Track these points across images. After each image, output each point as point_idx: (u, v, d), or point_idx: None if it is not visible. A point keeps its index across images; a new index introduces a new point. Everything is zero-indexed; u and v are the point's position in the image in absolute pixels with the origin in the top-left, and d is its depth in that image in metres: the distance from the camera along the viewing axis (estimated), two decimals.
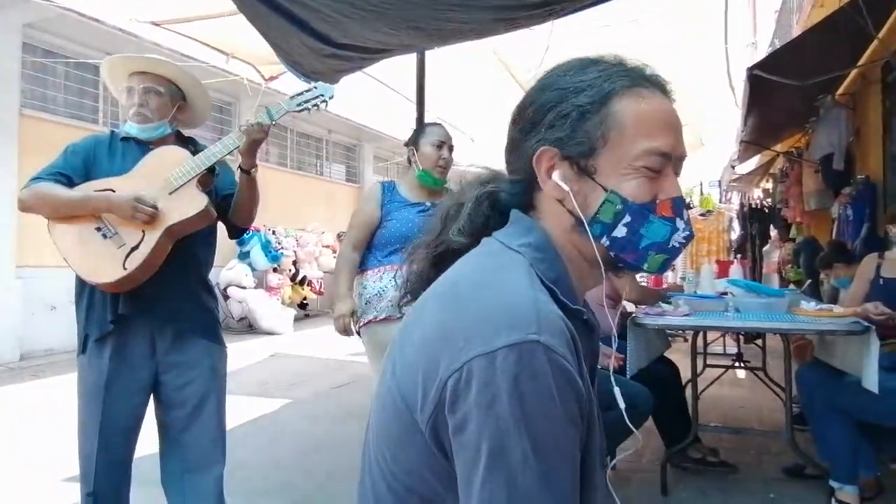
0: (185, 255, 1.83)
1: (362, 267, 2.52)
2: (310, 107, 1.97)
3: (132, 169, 1.82)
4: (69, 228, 1.77)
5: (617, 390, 0.79)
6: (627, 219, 0.72)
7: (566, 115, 0.73)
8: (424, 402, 0.64)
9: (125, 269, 1.71)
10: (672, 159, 0.73)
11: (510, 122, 0.80)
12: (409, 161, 2.60)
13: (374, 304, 2.41)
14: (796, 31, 7.00)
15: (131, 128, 1.89)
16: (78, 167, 1.82)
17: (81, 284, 1.82)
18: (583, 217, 0.72)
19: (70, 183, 1.79)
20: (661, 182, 0.73)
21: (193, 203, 1.78)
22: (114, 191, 1.76)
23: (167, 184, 1.78)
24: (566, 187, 0.73)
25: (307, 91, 1.97)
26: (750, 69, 4.16)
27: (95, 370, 1.78)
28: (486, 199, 0.81)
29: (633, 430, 0.87)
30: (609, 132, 0.72)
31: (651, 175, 0.72)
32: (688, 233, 0.74)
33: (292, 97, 1.96)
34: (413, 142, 2.60)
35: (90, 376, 1.79)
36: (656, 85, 0.75)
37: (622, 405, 0.80)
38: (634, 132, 0.71)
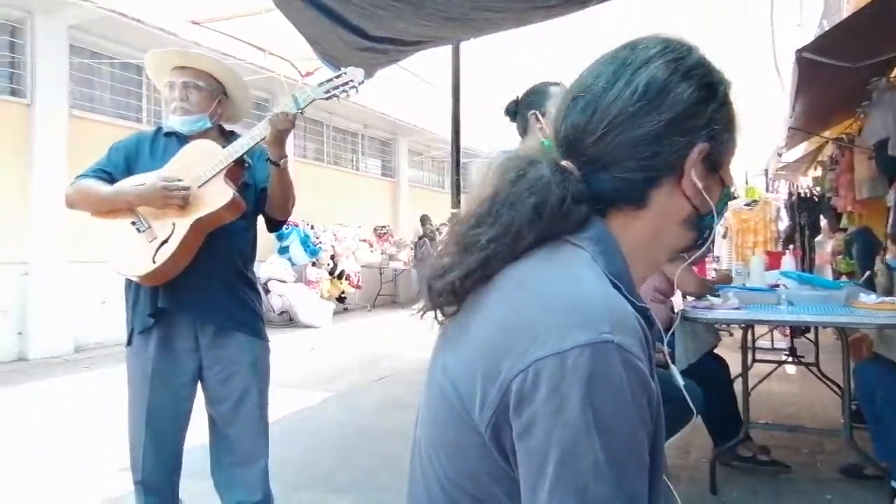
0: (222, 248, 1.84)
1: None
2: (338, 93, 1.86)
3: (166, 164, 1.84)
4: (110, 224, 1.82)
5: (678, 375, 0.77)
6: (725, 208, 0.77)
7: (720, 108, 0.71)
8: (484, 403, 0.61)
9: (154, 262, 1.73)
10: None
11: (619, 111, 0.68)
12: (526, 130, 1.96)
13: None
14: (847, 12, 6.69)
15: (173, 121, 1.92)
16: (119, 164, 1.87)
17: (129, 279, 1.85)
18: (714, 209, 0.73)
19: (112, 180, 1.83)
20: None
21: (220, 196, 1.78)
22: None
23: (197, 177, 1.79)
24: (700, 184, 0.71)
25: (336, 77, 1.87)
26: (799, 51, 3.99)
27: (141, 362, 1.83)
28: (581, 204, 0.68)
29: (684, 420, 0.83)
30: (732, 126, 0.74)
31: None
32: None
33: (320, 84, 1.87)
34: (538, 104, 1.92)
35: (136, 368, 1.84)
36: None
37: (681, 382, 0.77)
38: (735, 140, 0.75)
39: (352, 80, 1.85)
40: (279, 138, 1.83)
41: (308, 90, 1.87)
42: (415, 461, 0.74)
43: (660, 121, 0.68)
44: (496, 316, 0.65)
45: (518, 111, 1.98)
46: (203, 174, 1.79)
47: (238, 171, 1.87)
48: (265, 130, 1.82)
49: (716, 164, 0.72)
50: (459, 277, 0.69)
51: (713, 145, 0.70)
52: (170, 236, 1.75)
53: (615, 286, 0.65)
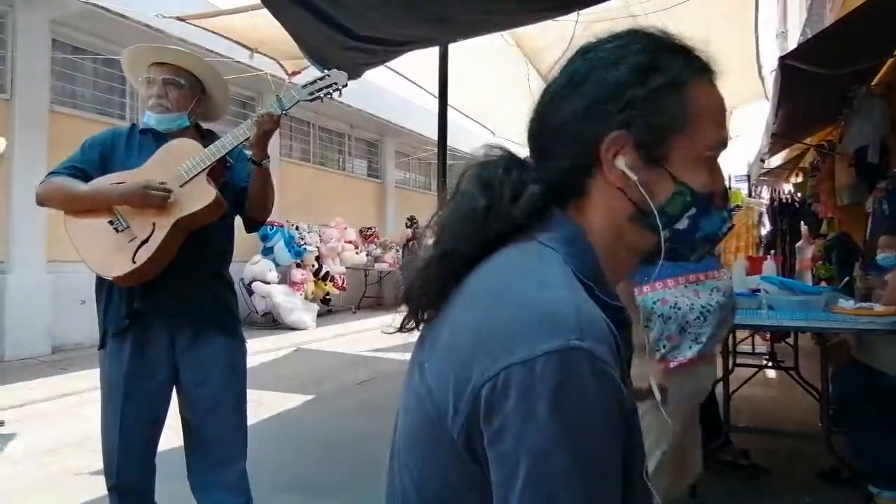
0: (200, 248, 1.81)
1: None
2: (322, 95, 1.89)
3: (145, 162, 1.80)
4: (84, 223, 1.77)
5: (653, 383, 0.76)
6: (693, 211, 0.69)
7: (643, 97, 0.66)
8: (456, 410, 0.60)
9: (134, 262, 1.70)
10: (725, 149, 0.71)
11: (552, 98, 0.71)
12: None
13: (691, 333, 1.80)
14: (829, 20, 6.80)
15: (150, 118, 1.88)
16: (94, 160, 1.82)
17: (101, 279, 1.81)
18: (653, 208, 0.67)
19: (86, 177, 1.78)
20: (716, 174, 0.70)
21: (203, 196, 1.76)
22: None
23: (178, 176, 1.76)
24: (634, 176, 0.67)
25: (320, 79, 1.89)
26: (782, 58, 4.04)
27: (115, 365, 1.78)
28: (537, 197, 0.69)
29: (668, 419, 0.81)
30: (684, 121, 0.67)
31: (712, 165, 0.70)
32: (730, 222, 0.74)
33: (304, 86, 1.89)
34: None
35: (110, 371, 1.80)
36: (713, 73, 0.72)
37: (658, 397, 0.76)
38: (707, 124, 0.68)
39: (335, 83, 1.88)
40: (263, 139, 1.82)
41: (293, 91, 1.88)
42: (392, 468, 0.73)
43: (578, 106, 0.68)
44: (468, 323, 0.64)
45: None
46: (184, 173, 1.76)
47: (219, 170, 1.85)
48: (249, 130, 1.81)
49: (655, 157, 0.67)
50: (425, 286, 0.70)
51: (637, 134, 0.66)
52: (150, 236, 1.72)
53: (589, 287, 0.64)
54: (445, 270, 0.69)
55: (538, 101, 0.72)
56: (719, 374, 2.91)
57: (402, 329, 0.75)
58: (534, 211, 0.69)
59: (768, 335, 4.74)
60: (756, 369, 3.84)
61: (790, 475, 2.96)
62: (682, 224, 0.69)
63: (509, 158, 0.73)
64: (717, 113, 0.70)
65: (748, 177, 10.51)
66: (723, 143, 0.69)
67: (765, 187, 10.46)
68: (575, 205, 0.71)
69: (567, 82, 0.70)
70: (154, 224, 1.73)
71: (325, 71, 1.91)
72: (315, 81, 1.89)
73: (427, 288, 0.71)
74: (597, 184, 0.69)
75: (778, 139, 6.85)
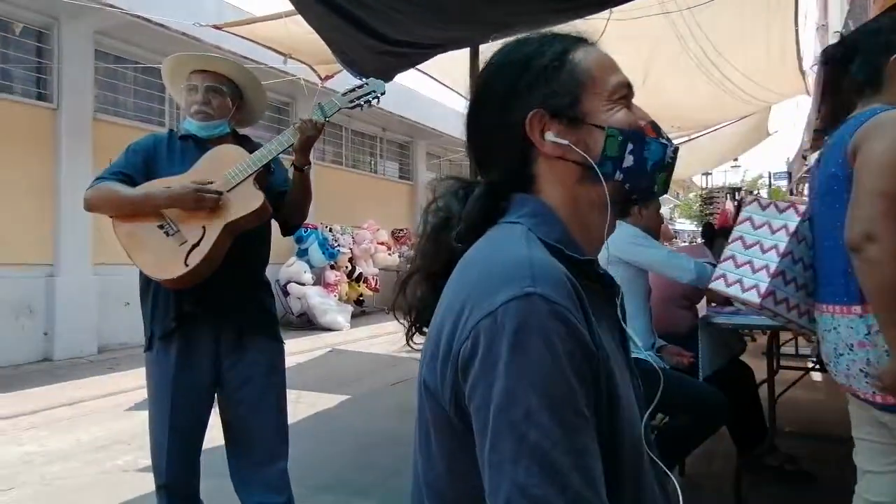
0: (243, 252, 1.84)
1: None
2: (362, 103, 1.96)
3: (190, 168, 1.84)
4: (133, 227, 1.80)
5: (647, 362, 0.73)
6: (630, 146, 0.74)
7: (537, 76, 0.74)
8: (443, 382, 0.64)
9: (187, 265, 1.73)
10: (631, 90, 0.77)
11: (474, 110, 0.80)
12: None
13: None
14: (873, 12, 6.56)
15: (191, 125, 1.91)
16: (139, 166, 1.85)
17: (146, 282, 1.85)
18: (591, 161, 0.73)
19: (132, 182, 1.81)
20: (634, 111, 0.76)
21: (252, 200, 1.80)
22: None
23: (226, 181, 1.80)
24: (564, 141, 0.73)
25: (359, 87, 1.96)
26: (824, 52, 3.91)
27: (163, 367, 1.82)
28: (482, 196, 0.78)
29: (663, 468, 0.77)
30: (582, 78, 0.74)
31: (627, 104, 0.76)
32: (674, 146, 0.77)
33: (344, 94, 1.95)
34: None
35: (158, 373, 1.83)
36: (589, 39, 0.79)
37: (642, 355, 0.74)
38: (601, 73, 0.75)
39: (374, 91, 1.95)
40: (306, 145, 1.88)
41: (334, 99, 1.94)
42: (413, 461, 0.76)
43: (493, 108, 0.77)
44: (444, 304, 0.69)
45: None
46: (231, 178, 1.81)
47: (263, 175, 1.89)
48: (293, 137, 1.86)
49: (574, 117, 0.74)
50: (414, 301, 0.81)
51: (550, 106, 0.74)
52: (201, 239, 1.76)
53: (557, 249, 0.69)
54: (429, 285, 0.78)
55: (465, 117, 0.81)
56: (761, 376, 2.83)
57: (408, 343, 0.82)
58: (485, 208, 0.76)
59: (814, 337, 4.59)
60: (803, 372, 3.72)
61: (840, 483, 2.83)
62: (628, 162, 0.74)
63: (456, 183, 0.81)
64: (606, 63, 0.77)
65: (789, 174, 10.23)
66: (624, 84, 0.76)
67: (807, 185, 10.16)
68: (532, 190, 0.77)
69: (477, 93, 0.79)
70: (204, 227, 1.77)
71: (363, 79, 1.98)
72: (354, 89, 1.95)
73: (417, 303, 0.80)
74: (540, 166, 0.76)
75: (820, 135, 6.64)
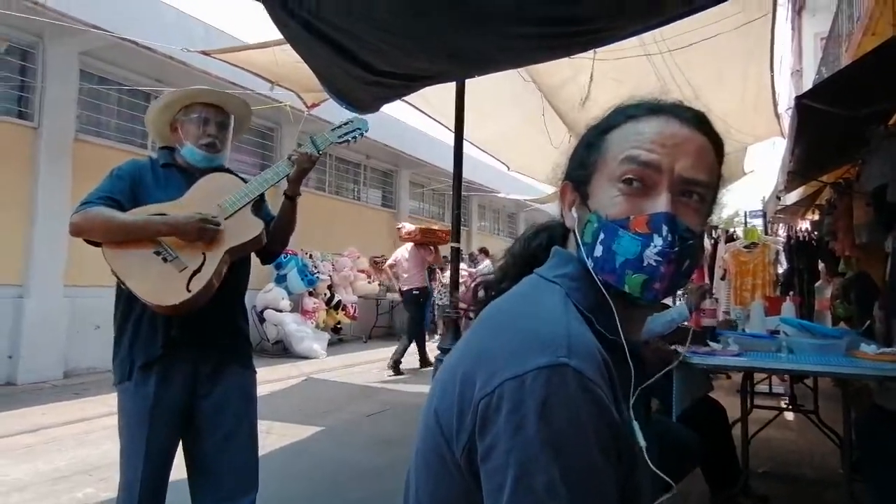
0: (228, 280, 1.84)
1: None
2: (349, 139, 2.06)
3: (182, 195, 1.84)
4: (126, 253, 1.76)
5: (639, 434, 0.74)
6: (602, 236, 0.70)
7: (577, 149, 0.78)
8: (461, 429, 0.63)
9: (189, 291, 1.72)
10: (664, 173, 0.68)
11: None
12: None
13: None
14: (846, 60, 6.83)
15: (194, 154, 1.91)
16: (126, 191, 1.83)
17: (128, 309, 1.80)
18: (580, 242, 0.73)
19: (120, 207, 1.78)
20: (648, 199, 0.69)
21: (251, 227, 1.86)
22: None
23: (221, 209, 1.83)
24: (575, 215, 0.75)
25: (345, 124, 2.07)
26: (798, 98, 4.05)
27: (141, 397, 1.76)
28: (533, 238, 0.83)
29: (666, 479, 0.77)
30: (601, 156, 0.74)
31: (632, 191, 0.69)
32: (667, 250, 0.67)
33: (333, 129, 2.05)
34: None
35: (135, 404, 1.77)
36: (672, 113, 0.72)
37: (642, 443, 0.74)
38: (618, 149, 0.72)
39: (359, 129, 2.07)
40: (300, 177, 1.98)
41: (325, 134, 2.04)
42: (406, 491, 0.75)
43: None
44: (472, 347, 0.68)
45: None
46: (228, 206, 1.83)
47: (259, 204, 1.95)
48: (289, 168, 1.94)
49: (584, 194, 0.75)
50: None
51: (573, 179, 0.77)
52: (202, 265, 1.76)
53: (589, 320, 0.68)
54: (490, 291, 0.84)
55: None
56: (735, 414, 2.85)
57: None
58: (538, 250, 0.81)
59: (787, 376, 4.64)
60: (776, 412, 3.75)
61: None
62: (598, 251, 0.70)
63: (548, 224, 0.87)
64: (635, 138, 0.70)
65: (764, 214, 10.45)
66: (635, 160, 0.69)
67: (781, 225, 10.39)
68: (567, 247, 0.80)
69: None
70: (205, 254, 1.78)
71: (349, 117, 2.09)
72: (342, 126, 2.06)
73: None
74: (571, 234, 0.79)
75: (794, 177, 6.83)
